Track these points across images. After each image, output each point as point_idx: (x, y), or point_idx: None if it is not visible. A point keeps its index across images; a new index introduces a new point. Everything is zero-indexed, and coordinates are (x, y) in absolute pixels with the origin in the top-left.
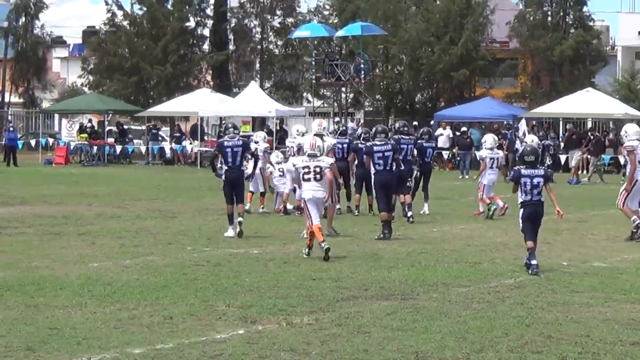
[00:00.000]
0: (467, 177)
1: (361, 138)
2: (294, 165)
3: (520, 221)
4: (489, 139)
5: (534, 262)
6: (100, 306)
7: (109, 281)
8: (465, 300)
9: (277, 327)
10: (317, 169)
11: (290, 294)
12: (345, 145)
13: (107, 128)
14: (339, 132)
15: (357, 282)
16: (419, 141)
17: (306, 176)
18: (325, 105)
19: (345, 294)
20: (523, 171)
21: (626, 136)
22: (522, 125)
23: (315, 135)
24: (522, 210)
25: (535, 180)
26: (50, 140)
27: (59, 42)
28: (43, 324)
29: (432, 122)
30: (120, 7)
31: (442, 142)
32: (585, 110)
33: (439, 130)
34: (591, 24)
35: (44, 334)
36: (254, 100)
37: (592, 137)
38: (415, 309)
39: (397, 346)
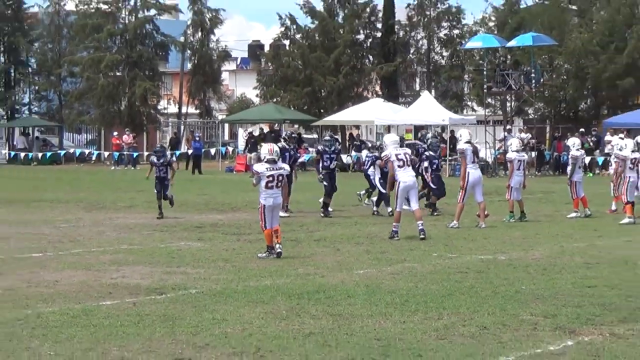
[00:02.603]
0: None
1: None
2: (257, 172)
3: None
4: (515, 142)
5: None
6: (403, 315)
7: (390, 289)
8: None
9: (602, 338)
10: (280, 177)
11: (581, 302)
12: None
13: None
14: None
15: (637, 290)
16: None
17: (270, 184)
18: (491, 113)
19: (637, 303)
20: None
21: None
22: None
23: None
24: None
25: None
26: (230, 149)
27: (227, 55)
28: (365, 334)
29: (594, 130)
30: (294, 22)
31: (608, 148)
32: None
33: (608, 137)
34: None
35: (375, 345)
36: (429, 109)
37: None
38: None
39: None
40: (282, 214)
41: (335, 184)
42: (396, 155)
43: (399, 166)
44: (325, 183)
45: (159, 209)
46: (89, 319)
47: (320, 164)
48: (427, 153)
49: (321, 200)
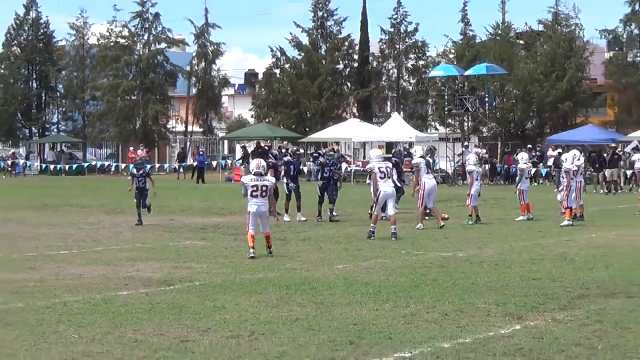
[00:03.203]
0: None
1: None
2: (243, 183)
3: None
4: (473, 157)
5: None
6: (376, 304)
7: (365, 281)
8: None
9: (545, 323)
10: (264, 188)
11: (528, 293)
12: None
13: (273, 151)
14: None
15: (574, 282)
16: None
17: (254, 193)
18: (451, 132)
19: (575, 293)
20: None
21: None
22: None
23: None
24: None
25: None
26: (229, 162)
27: (226, 82)
28: (344, 320)
29: (538, 147)
30: (283, 53)
31: (551, 162)
32: None
33: (550, 152)
34: None
35: (352, 329)
36: (398, 128)
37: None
38: None
39: None
40: (302, 217)
41: (335, 193)
42: (379, 168)
43: (381, 178)
44: (320, 194)
45: (139, 216)
46: (108, 307)
47: (320, 175)
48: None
49: (319, 208)
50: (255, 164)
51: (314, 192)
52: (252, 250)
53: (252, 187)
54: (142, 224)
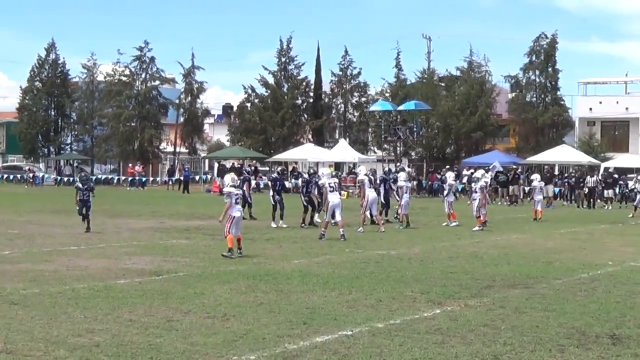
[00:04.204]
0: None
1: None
2: (230, 192)
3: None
4: (403, 175)
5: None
6: (324, 291)
7: (315, 273)
8: (569, 288)
9: (459, 308)
10: (240, 196)
11: (446, 283)
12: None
13: (246, 168)
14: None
15: (483, 275)
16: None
17: (237, 200)
18: (387, 154)
19: (483, 284)
20: None
21: (359, 172)
22: (497, 166)
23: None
24: None
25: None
26: (209, 177)
27: (207, 113)
28: (298, 304)
29: (456, 166)
30: (253, 90)
31: (465, 179)
32: (564, 159)
33: (464, 171)
34: (562, 102)
35: (305, 311)
36: (344, 151)
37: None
38: (542, 295)
39: (557, 323)
40: (282, 224)
41: (315, 203)
42: (329, 183)
43: (330, 191)
44: (305, 204)
45: (87, 224)
46: (108, 293)
47: (304, 190)
48: (390, 176)
49: (303, 216)
50: (231, 177)
51: (295, 203)
52: (232, 251)
53: (236, 195)
54: (91, 230)
